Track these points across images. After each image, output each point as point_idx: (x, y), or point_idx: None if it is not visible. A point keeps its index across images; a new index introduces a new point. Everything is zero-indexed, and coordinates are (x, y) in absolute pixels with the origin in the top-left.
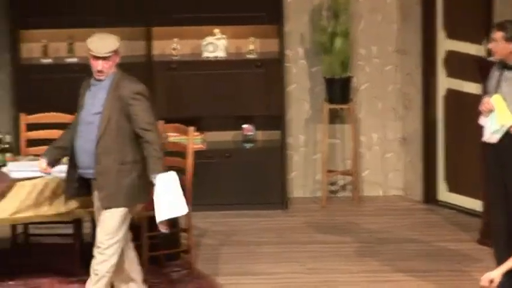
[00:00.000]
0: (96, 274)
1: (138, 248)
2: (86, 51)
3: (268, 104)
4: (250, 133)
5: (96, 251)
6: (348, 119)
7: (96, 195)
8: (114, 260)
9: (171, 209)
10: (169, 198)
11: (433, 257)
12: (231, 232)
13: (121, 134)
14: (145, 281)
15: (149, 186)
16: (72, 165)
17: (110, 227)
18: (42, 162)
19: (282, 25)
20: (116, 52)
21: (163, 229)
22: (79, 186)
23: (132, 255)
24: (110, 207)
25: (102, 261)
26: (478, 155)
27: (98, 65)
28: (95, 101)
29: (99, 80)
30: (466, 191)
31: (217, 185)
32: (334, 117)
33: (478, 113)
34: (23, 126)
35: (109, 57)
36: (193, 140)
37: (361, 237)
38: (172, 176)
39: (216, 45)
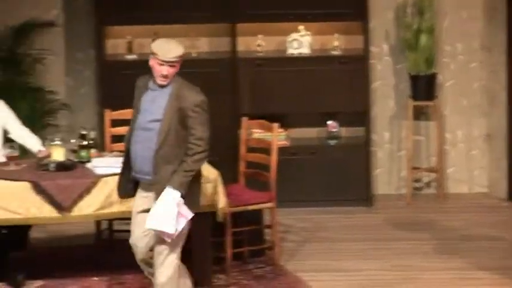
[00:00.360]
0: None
1: (222, 245)
2: (153, 55)
3: (352, 101)
4: (334, 130)
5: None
6: (432, 116)
7: (148, 200)
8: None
9: (161, 222)
10: (164, 212)
11: None
12: (315, 229)
13: (179, 143)
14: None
15: (199, 195)
16: (127, 167)
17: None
18: None
19: (367, 22)
20: (181, 58)
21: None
22: (133, 187)
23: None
24: None
25: (166, 267)
26: None
27: (163, 70)
28: (154, 107)
29: (161, 86)
30: None
31: (301, 181)
32: (419, 114)
33: None
34: (107, 122)
35: (175, 62)
36: (278, 137)
37: (446, 234)
38: (177, 196)
39: (300, 41)
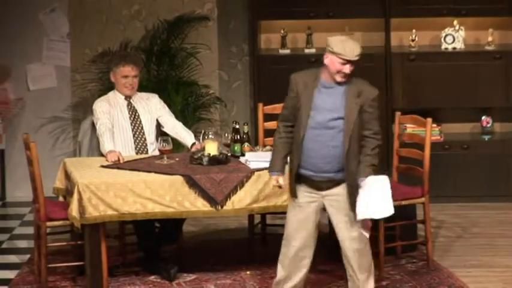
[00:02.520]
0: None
1: (375, 239)
2: (334, 54)
3: (507, 96)
4: (488, 125)
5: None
6: None
7: (338, 200)
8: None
9: (375, 209)
10: (375, 199)
11: None
12: (469, 224)
13: (360, 138)
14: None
15: None
16: (295, 166)
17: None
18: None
19: None
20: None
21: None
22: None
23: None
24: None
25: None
26: None
27: (345, 69)
28: (332, 104)
29: (338, 83)
30: None
31: (454, 176)
32: None
33: None
34: (260, 117)
35: (356, 60)
36: (431, 132)
37: None
38: (383, 178)
39: (454, 36)
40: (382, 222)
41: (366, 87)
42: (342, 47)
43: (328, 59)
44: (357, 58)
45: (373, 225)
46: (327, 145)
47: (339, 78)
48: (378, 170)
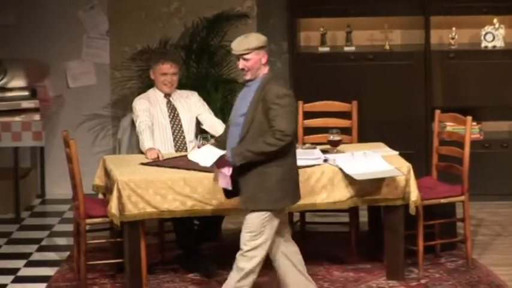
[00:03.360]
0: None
1: (414, 238)
2: None
3: None
4: None
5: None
6: None
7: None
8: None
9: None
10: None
11: None
12: (508, 222)
13: (262, 135)
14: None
15: (294, 189)
16: None
17: (252, 228)
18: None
19: None
20: (251, 51)
21: (221, 182)
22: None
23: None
24: (250, 209)
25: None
26: None
27: (239, 64)
28: (243, 102)
29: (248, 81)
30: None
31: (494, 175)
32: None
33: None
34: (300, 114)
35: (245, 55)
36: (471, 130)
37: None
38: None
39: (494, 34)
40: (421, 220)
41: (272, 86)
42: (232, 43)
43: None
44: (239, 53)
45: (412, 223)
46: (235, 141)
47: (244, 75)
48: (257, 160)
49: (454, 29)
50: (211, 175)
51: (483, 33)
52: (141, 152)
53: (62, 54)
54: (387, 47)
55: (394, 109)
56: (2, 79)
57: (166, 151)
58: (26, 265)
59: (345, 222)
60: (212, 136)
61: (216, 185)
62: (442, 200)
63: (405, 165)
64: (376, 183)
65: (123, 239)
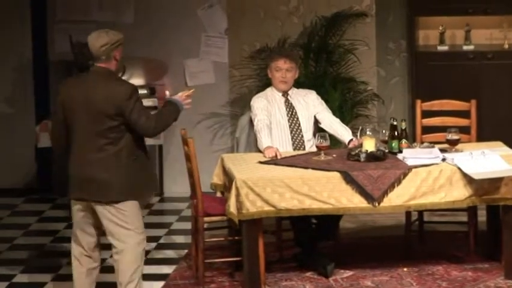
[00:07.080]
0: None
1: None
2: None
3: None
4: None
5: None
6: None
7: None
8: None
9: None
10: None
11: None
12: None
13: None
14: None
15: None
16: None
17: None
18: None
19: None
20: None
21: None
22: None
23: None
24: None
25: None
26: None
27: None
28: None
29: None
30: None
31: None
32: None
33: None
34: (418, 113)
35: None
36: None
37: None
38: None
39: None
40: None
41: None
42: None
43: None
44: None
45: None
46: None
47: None
48: None
49: None
50: (329, 174)
51: None
52: (259, 151)
53: (179, 52)
54: (506, 46)
55: None
56: (121, 76)
57: (284, 150)
58: (145, 263)
59: (464, 221)
60: (330, 135)
61: (334, 184)
62: None
63: None
64: (495, 182)
65: (241, 237)
